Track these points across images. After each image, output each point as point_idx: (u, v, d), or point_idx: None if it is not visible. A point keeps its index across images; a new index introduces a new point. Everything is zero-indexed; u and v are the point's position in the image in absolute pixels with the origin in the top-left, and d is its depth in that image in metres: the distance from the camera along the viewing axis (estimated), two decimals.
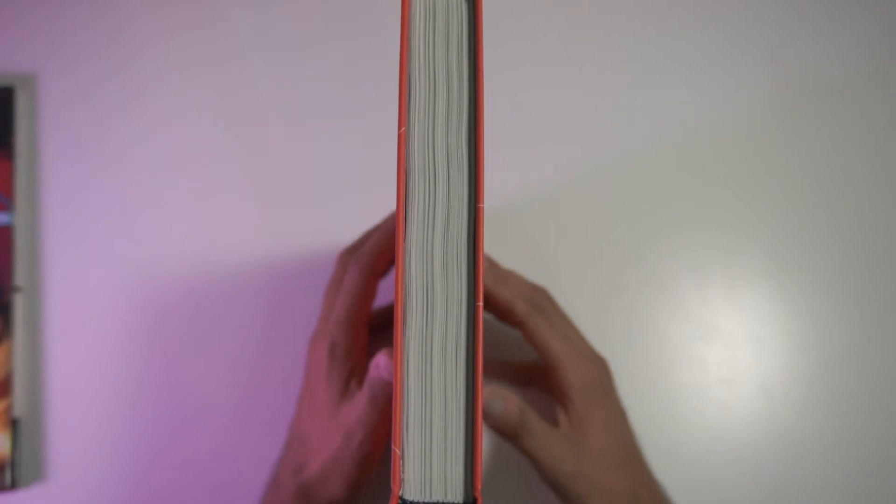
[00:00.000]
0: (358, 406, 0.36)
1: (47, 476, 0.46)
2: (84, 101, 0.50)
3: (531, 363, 0.45)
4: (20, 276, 0.48)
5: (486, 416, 0.35)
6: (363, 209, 0.43)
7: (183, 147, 0.50)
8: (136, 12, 0.51)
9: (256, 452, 0.46)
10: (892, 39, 0.52)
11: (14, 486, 0.45)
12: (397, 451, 0.24)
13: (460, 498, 0.24)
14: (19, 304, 0.47)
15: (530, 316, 0.39)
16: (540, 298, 0.40)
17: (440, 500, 0.24)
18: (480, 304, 0.24)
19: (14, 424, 0.46)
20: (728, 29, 0.52)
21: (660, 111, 0.51)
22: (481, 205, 0.25)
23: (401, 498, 0.24)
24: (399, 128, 0.25)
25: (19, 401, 0.46)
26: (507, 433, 0.36)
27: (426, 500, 0.24)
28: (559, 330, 0.40)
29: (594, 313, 0.48)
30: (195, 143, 0.50)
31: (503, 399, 0.36)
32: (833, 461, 0.46)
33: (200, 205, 0.49)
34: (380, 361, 0.33)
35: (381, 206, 0.40)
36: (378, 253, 0.38)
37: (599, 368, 0.41)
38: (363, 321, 0.39)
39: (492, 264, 0.40)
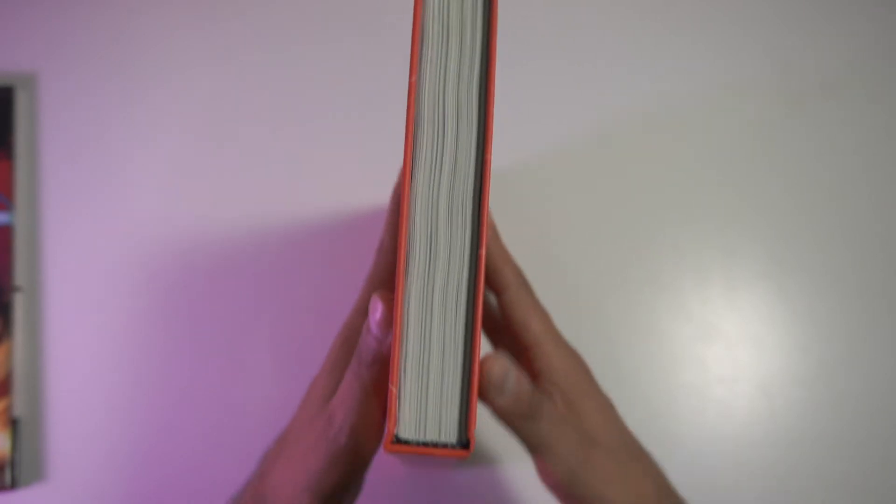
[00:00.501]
0: (343, 384, 0.31)
1: (47, 476, 0.46)
2: (84, 101, 0.50)
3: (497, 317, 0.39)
4: (20, 276, 0.48)
5: (499, 394, 0.29)
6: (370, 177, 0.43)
7: (183, 147, 0.50)
8: (136, 12, 0.51)
9: (258, 451, 0.46)
10: (891, 39, 0.52)
11: (14, 485, 0.45)
12: (393, 389, 0.24)
13: (454, 439, 0.24)
14: (19, 304, 0.47)
15: (517, 285, 0.36)
16: (523, 275, 0.37)
17: (434, 440, 0.24)
18: (483, 252, 0.24)
19: (14, 424, 0.46)
20: (728, 29, 0.52)
21: (660, 111, 0.51)
22: (489, 156, 0.25)
23: (395, 436, 0.24)
24: (410, 76, 0.25)
25: (19, 400, 0.46)
26: (520, 412, 0.30)
27: (420, 439, 0.24)
28: (542, 309, 0.36)
29: (594, 313, 0.48)
30: (195, 142, 0.50)
31: (515, 374, 0.29)
32: (833, 461, 0.46)
33: (201, 204, 0.49)
34: (373, 311, 0.28)
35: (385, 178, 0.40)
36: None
37: (579, 356, 0.37)
38: None
39: (494, 226, 0.38)
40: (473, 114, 0.25)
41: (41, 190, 0.49)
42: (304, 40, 0.51)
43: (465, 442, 0.24)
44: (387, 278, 0.35)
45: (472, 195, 0.25)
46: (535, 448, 0.31)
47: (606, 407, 0.36)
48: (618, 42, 0.52)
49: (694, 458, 0.47)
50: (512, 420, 0.30)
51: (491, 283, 0.36)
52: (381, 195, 0.39)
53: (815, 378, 0.47)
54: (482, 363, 0.27)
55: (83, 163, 0.50)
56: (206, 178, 0.50)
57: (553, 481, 0.32)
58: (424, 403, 0.24)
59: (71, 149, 0.50)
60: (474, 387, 0.24)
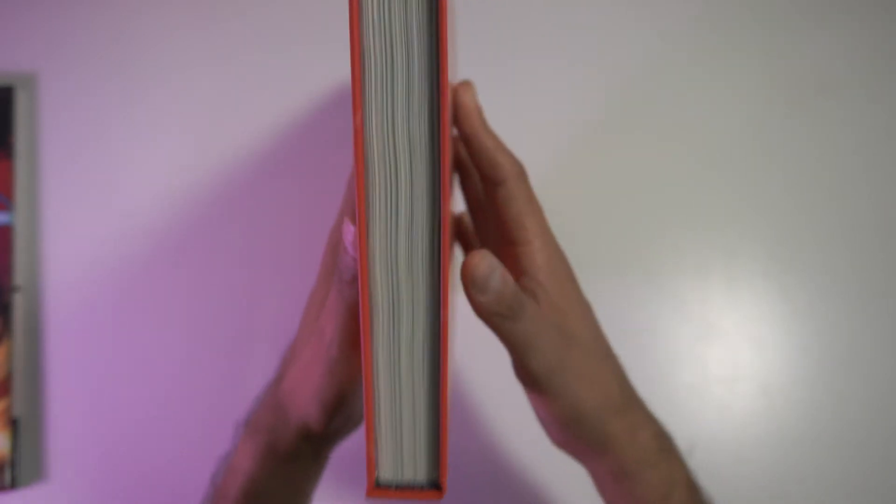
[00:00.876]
0: (329, 301, 0.31)
1: (47, 476, 0.46)
2: (84, 101, 0.50)
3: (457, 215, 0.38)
4: (20, 276, 0.48)
5: (481, 292, 0.28)
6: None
7: (182, 147, 0.50)
8: (136, 12, 0.51)
9: None
10: (891, 39, 0.52)
11: (14, 485, 0.45)
12: (371, 445, 0.25)
13: (425, 481, 0.25)
14: (19, 303, 0.47)
15: (515, 178, 0.34)
16: (522, 167, 0.35)
17: (410, 481, 0.25)
18: (447, 305, 0.24)
19: (14, 424, 0.46)
20: (728, 29, 0.52)
21: (659, 111, 0.51)
22: (446, 204, 0.23)
23: (376, 479, 0.25)
24: (354, 115, 0.23)
25: (19, 401, 0.46)
26: (501, 311, 0.29)
27: (398, 480, 0.25)
28: (537, 204, 0.35)
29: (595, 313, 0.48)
30: (195, 142, 0.50)
31: (500, 272, 0.28)
32: (833, 460, 0.46)
33: (200, 204, 0.49)
34: (346, 233, 0.27)
35: None
36: None
37: (563, 255, 0.36)
38: None
39: (480, 111, 0.35)
40: (426, 152, 0.23)
41: (41, 190, 0.49)
42: (304, 40, 0.51)
43: (436, 483, 0.25)
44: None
45: (430, 245, 0.24)
46: (515, 347, 0.31)
47: (585, 306, 0.36)
48: (617, 42, 0.52)
49: (694, 458, 0.47)
50: (492, 319, 0.29)
51: (485, 174, 0.34)
52: None
53: (815, 378, 0.47)
54: (466, 260, 0.27)
55: (83, 163, 0.50)
56: (205, 178, 0.50)
57: (529, 377, 0.32)
58: (399, 447, 0.26)
59: (71, 149, 0.50)
60: (444, 430, 0.25)
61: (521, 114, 0.50)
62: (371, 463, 0.25)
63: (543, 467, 0.47)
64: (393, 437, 0.25)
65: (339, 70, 0.51)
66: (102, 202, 0.49)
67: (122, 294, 0.48)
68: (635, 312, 0.48)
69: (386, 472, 0.25)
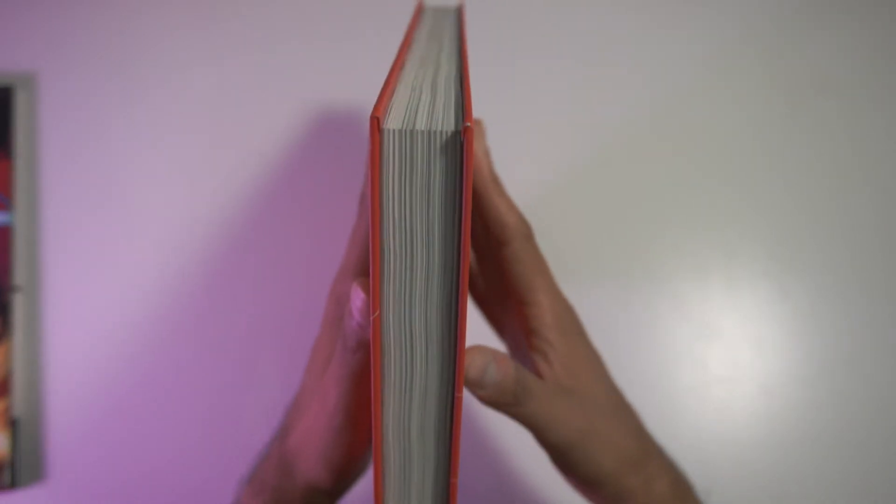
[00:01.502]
0: (332, 366, 0.30)
1: (47, 476, 0.46)
2: (84, 101, 0.50)
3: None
4: (20, 276, 0.48)
5: (480, 388, 0.29)
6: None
7: (182, 146, 0.50)
8: (136, 12, 0.51)
9: (257, 451, 0.46)
10: (891, 39, 0.52)
11: (14, 485, 0.45)
12: None
13: None
14: (19, 304, 0.47)
15: (522, 238, 0.33)
16: (529, 226, 0.34)
17: None
18: (460, 395, 0.24)
19: (14, 424, 0.46)
20: (728, 29, 0.52)
21: (659, 111, 0.51)
22: (459, 394, 0.24)
23: None
24: (372, 313, 0.23)
25: (19, 401, 0.46)
26: (505, 401, 0.30)
27: None
28: (544, 263, 0.35)
29: (594, 313, 0.48)
30: (195, 142, 0.50)
31: (494, 360, 0.29)
32: (833, 461, 0.46)
33: (200, 205, 0.49)
34: (354, 299, 0.27)
35: None
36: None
37: (572, 309, 0.36)
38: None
39: (489, 159, 0.34)
40: (444, 335, 0.23)
41: (41, 190, 0.49)
42: (305, 41, 0.51)
43: None
44: (364, 258, 0.34)
45: (443, 419, 0.25)
46: (529, 427, 0.31)
47: (596, 360, 0.36)
48: (617, 43, 0.52)
49: (694, 458, 0.47)
50: (499, 407, 0.30)
51: (492, 233, 0.33)
52: None
53: (815, 378, 0.47)
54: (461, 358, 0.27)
55: (83, 163, 0.50)
56: (205, 178, 0.50)
57: (550, 449, 0.32)
58: None
59: (71, 149, 0.50)
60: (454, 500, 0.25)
61: (522, 115, 0.50)
62: None
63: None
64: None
65: (339, 71, 0.51)
66: (102, 202, 0.49)
67: (122, 294, 0.48)
68: (635, 312, 0.48)
69: None
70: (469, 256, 0.23)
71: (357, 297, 0.26)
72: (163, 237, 0.49)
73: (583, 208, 0.50)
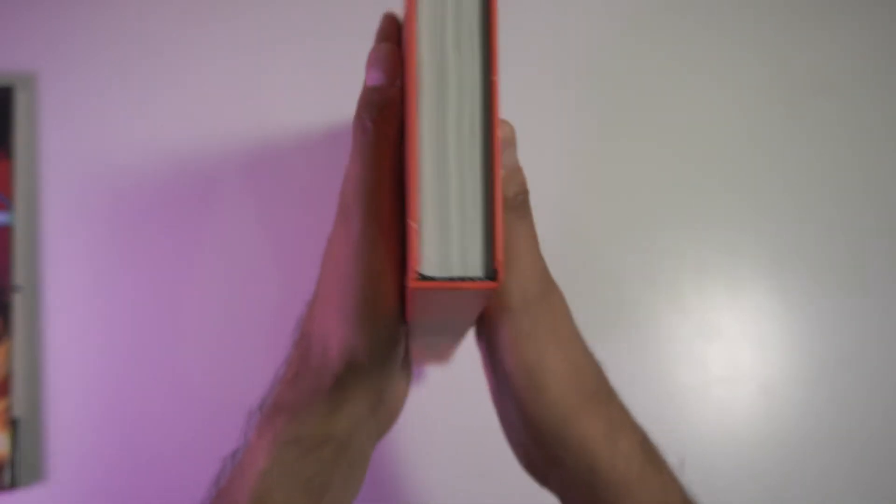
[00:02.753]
0: (351, 158, 0.27)
1: (47, 476, 0.46)
2: (84, 101, 0.50)
3: None
4: (20, 276, 0.48)
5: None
6: None
7: (183, 146, 0.50)
8: (136, 12, 0.51)
9: None
10: (891, 39, 0.52)
11: (14, 485, 0.45)
12: (414, 224, 0.23)
13: (480, 272, 0.23)
14: (19, 304, 0.47)
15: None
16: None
17: (459, 275, 0.23)
18: (495, 78, 0.23)
19: (14, 424, 0.46)
20: (728, 29, 0.52)
21: (660, 111, 0.51)
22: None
23: (419, 273, 0.23)
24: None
25: (19, 401, 0.46)
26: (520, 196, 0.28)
27: (445, 276, 0.23)
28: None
29: (594, 313, 0.48)
30: (195, 142, 0.50)
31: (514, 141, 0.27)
32: (833, 461, 0.46)
33: (201, 204, 0.49)
34: (374, 56, 0.25)
35: None
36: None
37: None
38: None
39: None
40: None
41: (41, 190, 0.49)
42: (307, 40, 0.51)
43: (492, 274, 0.23)
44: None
45: (479, 17, 0.23)
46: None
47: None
48: (617, 42, 0.52)
49: (694, 458, 0.47)
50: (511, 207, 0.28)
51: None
52: None
53: (815, 377, 0.47)
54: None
55: (83, 163, 0.50)
56: (206, 178, 0.50)
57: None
58: (447, 240, 0.23)
59: (71, 149, 0.50)
60: (498, 218, 0.23)
61: (522, 112, 0.50)
62: (415, 255, 0.22)
63: None
64: (440, 224, 0.23)
65: (339, 71, 0.51)
66: (102, 202, 0.49)
67: (122, 294, 0.48)
68: (635, 312, 0.48)
69: (431, 268, 0.23)
70: None
71: (380, 49, 0.25)
72: (163, 236, 0.49)
73: (583, 208, 0.49)
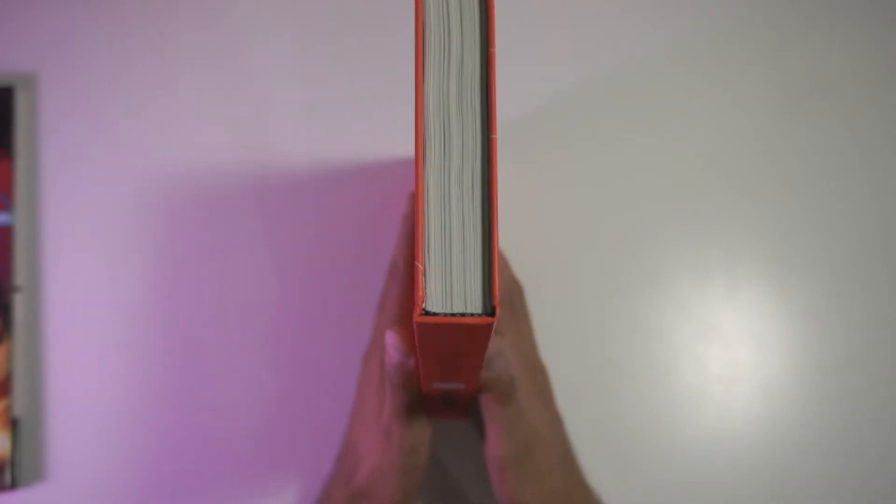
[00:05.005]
0: (387, 404, 0.34)
1: (47, 476, 0.46)
2: (84, 101, 0.50)
3: None
4: (20, 276, 0.48)
5: (486, 368, 0.33)
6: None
7: (184, 146, 0.50)
8: (137, 13, 0.51)
9: (260, 452, 0.46)
10: (891, 39, 0.51)
11: (14, 485, 0.45)
12: (420, 266, 0.25)
13: (479, 308, 0.25)
14: (19, 304, 0.47)
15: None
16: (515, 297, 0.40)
17: (461, 311, 0.25)
18: (494, 136, 0.25)
19: (14, 424, 0.46)
20: (728, 28, 0.52)
21: (660, 111, 0.51)
22: (492, 49, 0.26)
23: (424, 309, 0.25)
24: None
25: (19, 400, 0.46)
26: (502, 389, 0.34)
27: (448, 311, 0.25)
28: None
29: (594, 313, 0.48)
30: (195, 142, 0.50)
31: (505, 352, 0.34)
32: (833, 461, 0.46)
33: (202, 204, 0.49)
34: (388, 341, 0.32)
35: None
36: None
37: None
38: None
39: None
40: (476, 16, 0.26)
41: (41, 190, 0.49)
42: (308, 40, 0.51)
43: (490, 310, 0.25)
44: (402, 298, 0.37)
45: (479, 86, 0.26)
46: (503, 424, 0.36)
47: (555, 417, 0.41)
48: (617, 42, 0.51)
49: (694, 458, 0.47)
50: (490, 394, 0.35)
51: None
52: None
53: (815, 378, 0.47)
54: None
55: (83, 163, 0.50)
56: (206, 178, 0.50)
57: (500, 456, 0.36)
58: (449, 278, 0.25)
59: (71, 149, 0.50)
60: (495, 259, 0.25)
61: (519, 113, 0.50)
62: (420, 293, 0.25)
63: None
64: (443, 265, 0.26)
65: (339, 70, 0.51)
66: (102, 202, 0.49)
67: (123, 294, 0.48)
68: (635, 312, 0.48)
69: (435, 304, 0.25)
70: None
71: (391, 337, 0.31)
72: (163, 236, 0.49)
73: (583, 208, 0.50)
